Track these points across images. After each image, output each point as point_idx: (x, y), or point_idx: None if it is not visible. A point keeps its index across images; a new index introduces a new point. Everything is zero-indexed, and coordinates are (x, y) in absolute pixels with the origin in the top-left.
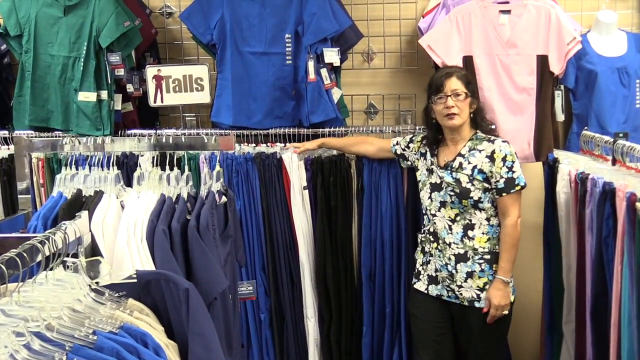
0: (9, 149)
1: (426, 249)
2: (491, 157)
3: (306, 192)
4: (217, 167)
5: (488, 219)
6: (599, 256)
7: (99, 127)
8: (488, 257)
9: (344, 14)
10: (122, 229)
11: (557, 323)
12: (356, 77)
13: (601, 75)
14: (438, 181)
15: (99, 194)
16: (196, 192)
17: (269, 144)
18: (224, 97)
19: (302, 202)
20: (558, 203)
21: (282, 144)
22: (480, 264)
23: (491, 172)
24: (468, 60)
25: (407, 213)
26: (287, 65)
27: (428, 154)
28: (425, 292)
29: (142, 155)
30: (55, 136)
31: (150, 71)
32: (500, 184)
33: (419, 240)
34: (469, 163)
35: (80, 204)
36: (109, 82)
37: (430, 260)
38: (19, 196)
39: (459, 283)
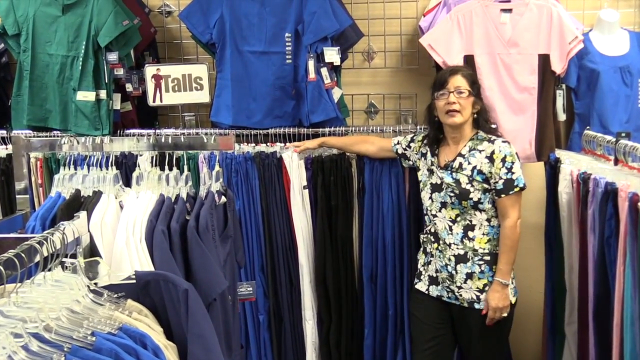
0: (7, 148)
1: (428, 250)
2: (491, 158)
3: (306, 191)
4: (217, 167)
5: (489, 220)
6: (602, 257)
7: (97, 126)
8: (488, 258)
9: (345, 13)
10: (121, 230)
11: (559, 324)
12: (356, 77)
13: (603, 74)
14: (438, 182)
15: (97, 194)
16: (195, 192)
17: (268, 144)
18: (224, 96)
19: (302, 201)
20: (560, 203)
21: (282, 144)
22: (480, 265)
23: (490, 172)
24: (469, 60)
25: (409, 213)
26: (287, 64)
27: (429, 154)
28: (426, 292)
29: (141, 155)
30: (54, 136)
31: (149, 70)
32: (499, 185)
33: (421, 241)
34: (469, 163)
35: (78, 204)
36: (108, 81)
37: (431, 260)
38: (17, 196)
39: (458, 284)
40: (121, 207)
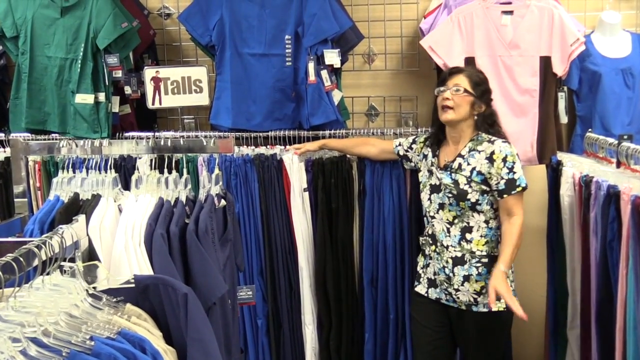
0: (5, 151)
1: (426, 252)
2: (490, 159)
3: (306, 194)
4: (216, 170)
5: (487, 222)
6: (604, 260)
7: (96, 129)
8: (486, 260)
9: (345, 15)
10: (120, 233)
11: (562, 328)
12: (357, 79)
13: (605, 76)
14: (437, 182)
15: (96, 198)
16: (195, 195)
17: (268, 147)
18: (223, 99)
19: (302, 204)
20: (562, 206)
21: (282, 146)
22: (477, 268)
23: (490, 173)
24: (470, 62)
25: (410, 216)
26: (287, 66)
27: (430, 155)
28: (426, 295)
29: (140, 158)
30: (52, 139)
31: (149, 73)
32: (501, 185)
33: (420, 243)
34: (468, 164)
35: (77, 207)
36: (107, 84)
37: (430, 263)
38: (15, 200)
39: (456, 286)
40: (120, 211)
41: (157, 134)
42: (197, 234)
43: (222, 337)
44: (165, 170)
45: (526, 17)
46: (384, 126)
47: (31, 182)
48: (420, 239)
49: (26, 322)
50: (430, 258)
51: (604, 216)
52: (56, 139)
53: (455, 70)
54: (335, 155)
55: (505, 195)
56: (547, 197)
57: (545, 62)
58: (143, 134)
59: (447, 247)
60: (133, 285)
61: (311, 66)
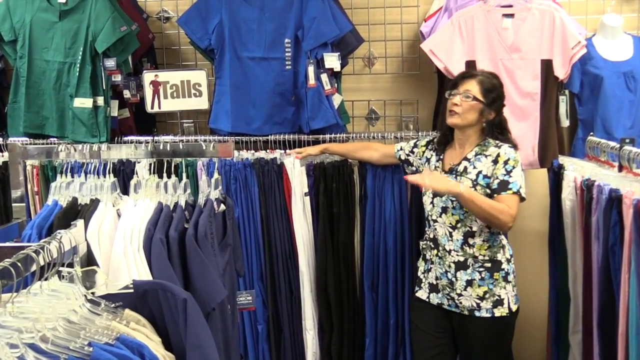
0: (2, 156)
1: (427, 257)
2: (495, 161)
3: (307, 198)
4: (216, 174)
5: (489, 227)
6: (606, 264)
7: (95, 133)
8: (488, 265)
9: (345, 18)
10: (119, 238)
11: (564, 333)
12: (357, 83)
13: (607, 79)
14: None
15: (95, 202)
16: (194, 200)
17: (268, 151)
18: (223, 103)
19: (303, 208)
20: (563, 210)
21: (282, 151)
22: (480, 272)
23: (493, 175)
24: (471, 65)
25: (411, 220)
26: (286, 70)
27: (433, 158)
28: (427, 300)
29: (139, 163)
30: (50, 143)
31: (148, 77)
32: (494, 185)
33: (420, 248)
34: (474, 168)
35: (75, 212)
36: (105, 88)
37: (431, 268)
38: (13, 204)
39: (458, 291)
40: (119, 216)
41: (156, 138)
42: (197, 239)
43: (221, 342)
44: (165, 174)
45: (527, 20)
46: (384, 130)
47: (29, 186)
48: (421, 243)
49: (24, 328)
50: (432, 263)
51: (606, 220)
52: (54, 143)
53: (468, 75)
54: (337, 160)
55: (495, 195)
56: (548, 201)
57: (547, 66)
58: (142, 138)
59: (449, 252)
60: (132, 290)
61: (311, 70)
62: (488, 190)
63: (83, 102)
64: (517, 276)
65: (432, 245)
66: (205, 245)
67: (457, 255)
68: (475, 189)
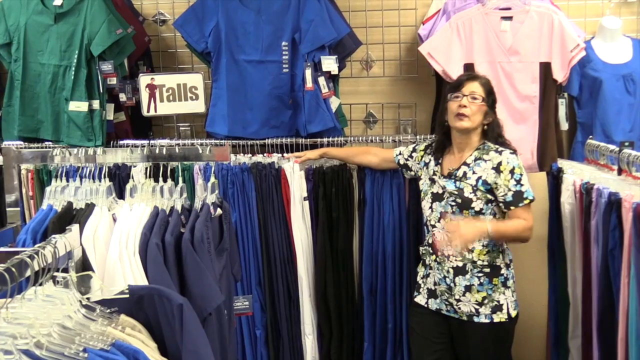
0: None
1: (426, 262)
2: (497, 169)
3: (306, 203)
4: (212, 179)
5: None
6: (605, 269)
7: (90, 137)
8: (487, 270)
9: (342, 21)
10: (114, 243)
11: (563, 338)
12: (355, 86)
13: (606, 82)
14: (440, 191)
15: (90, 207)
16: (190, 204)
17: (265, 155)
18: (219, 106)
19: (302, 213)
20: (563, 214)
21: (279, 155)
22: (479, 277)
23: (496, 183)
24: (469, 68)
25: (409, 225)
26: (283, 73)
27: (432, 162)
28: (425, 305)
29: (134, 167)
30: (45, 147)
31: (144, 80)
32: (509, 197)
33: (420, 253)
34: (474, 173)
35: (70, 217)
36: (101, 91)
37: (430, 273)
38: (7, 209)
39: (457, 297)
40: (114, 220)
41: (152, 141)
42: (193, 244)
43: (218, 348)
44: (161, 178)
45: (526, 22)
46: (382, 133)
47: (24, 190)
48: (421, 248)
49: (18, 334)
50: (431, 268)
51: (605, 224)
52: (49, 147)
53: (471, 77)
54: (336, 164)
55: (512, 207)
56: (547, 205)
57: (545, 68)
58: (138, 142)
59: (447, 257)
60: (127, 295)
61: (308, 73)
62: (489, 196)
63: (78, 106)
64: (516, 280)
65: (431, 251)
66: (202, 250)
67: (456, 260)
68: (476, 194)
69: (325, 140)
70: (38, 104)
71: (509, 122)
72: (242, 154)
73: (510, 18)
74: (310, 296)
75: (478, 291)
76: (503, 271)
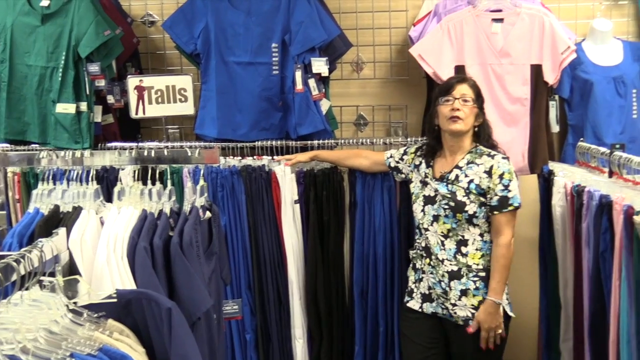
0: None
1: (418, 266)
2: (489, 173)
3: (297, 206)
4: (201, 181)
5: (482, 235)
6: (597, 271)
7: (77, 140)
8: (483, 274)
9: (333, 23)
10: (102, 247)
11: (555, 341)
12: (345, 88)
13: (597, 84)
14: (432, 194)
15: (77, 210)
16: (179, 207)
17: (255, 157)
18: (209, 108)
19: (292, 216)
20: (554, 217)
21: (269, 157)
22: (474, 282)
23: (488, 187)
24: (460, 70)
25: (400, 228)
26: (273, 75)
27: (423, 165)
28: (420, 310)
29: (122, 169)
30: (32, 149)
31: (132, 82)
32: (494, 202)
33: (410, 257)
34: (466, 176)
35: (57, 220)
36: (89, 93)
37: (422, 277)
38: None
39: (453, 301)
40: (102, 224)
41: (140, 144)
42: (182, 247)
43: (207, 353)
44: (149, 181)
45: (516, 25)
46: (373, 136)
47: (10, 194)
48: (411, 252)
49: (4, 339)
50: (423, 272)
51: (597, 226)
52: (36, 150)
53: (460, 80)
54: (327, 167)
55: (496, 212)
56: (538, 208)
57: (536, 71)
58: (126, 145)
59: (442, 261)
60: (115, 300)
61: (298, 75)
62: (482, 199)
63: (66, 108)
64: (508, 283)
65: (424, 254)
66: (191, 254)
67: (451, 264)
68: (469, 197)
69: (315, 142)
70: (25, 106)
71: (500, 125)
72: (231, 157)
73: (501, 20)
74: (300, 299)
75: (474, 295)
76: None
